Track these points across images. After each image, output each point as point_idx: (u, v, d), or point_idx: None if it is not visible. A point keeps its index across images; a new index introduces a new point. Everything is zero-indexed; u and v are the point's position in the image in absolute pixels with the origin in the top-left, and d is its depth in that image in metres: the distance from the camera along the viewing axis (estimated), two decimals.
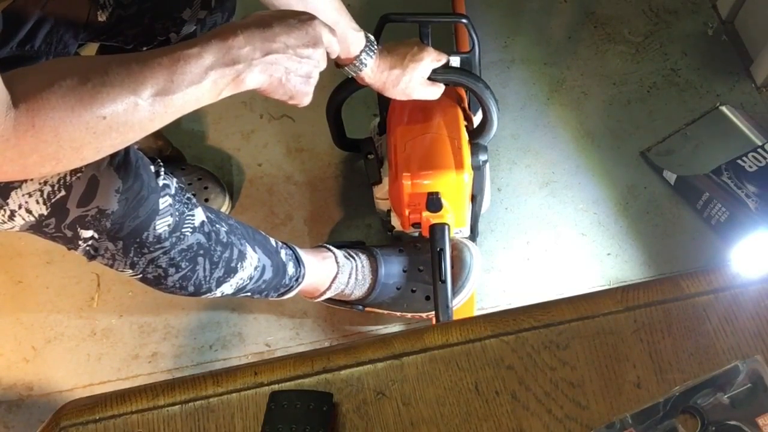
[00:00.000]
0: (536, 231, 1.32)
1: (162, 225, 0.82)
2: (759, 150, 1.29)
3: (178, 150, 1.36)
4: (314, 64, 0.71)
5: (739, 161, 1.28)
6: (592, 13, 1.57)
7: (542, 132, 1.43)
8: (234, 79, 0.65)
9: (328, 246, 1.15)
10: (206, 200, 1.30)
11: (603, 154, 1.39)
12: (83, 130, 0.58)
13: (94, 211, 0.76)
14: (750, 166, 1.28)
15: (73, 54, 0.90)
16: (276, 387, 0.59)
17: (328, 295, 1.13)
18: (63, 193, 0.74)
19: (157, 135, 1.31)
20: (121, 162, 0.77)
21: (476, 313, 1.22)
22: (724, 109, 1.40)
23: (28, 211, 0.75)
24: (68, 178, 0.74)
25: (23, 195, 0.73)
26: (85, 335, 1.26)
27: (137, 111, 0.60)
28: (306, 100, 0.73)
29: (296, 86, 0.70)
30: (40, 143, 0.57)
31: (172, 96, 0.62)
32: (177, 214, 0.84)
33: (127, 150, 0.78)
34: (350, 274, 1.13)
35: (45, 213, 0.75)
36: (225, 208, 1.33)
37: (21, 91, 0.56)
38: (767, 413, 0.54)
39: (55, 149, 0.58)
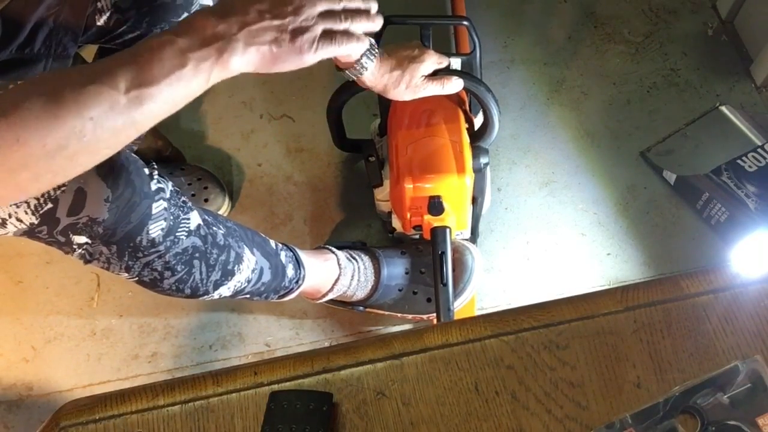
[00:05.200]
0: (536, 231, 1.32)
1: (155, 229, 0.82)
2: (759, 150, 1.29)
3: (177, 150, 1.36)
4: (307, 14, 0.69)
5: (738, 161, 1.28)
6: (592, 13, 1.57)
7: (542, 132, 1.43)
8: (218, 59, 0.64)
9: (329, 247, 1.15)
10: (206, 200, 1.30)
11: (603, 154, 1.39)
12: (72, 136, 0.57)
13: (85, 219, 0.76)
14: (750, 166, 1.28)
15: (73, 56, 0.90)
16: (276, 387, 0.59)
17: (330, 296, 1.13)
18: (50, 205, 0.73)
19: (157, 135, 1.31)
20: (108, 170, 0.76)
21: (476, 313, 1.22)
22: (724, 109, 1.40)
23: (19, 220, 0.74)
24: (53, 192, 0.73)
25: (12, 205, 0.72)
26: (85, 335, 1.26)
27: (124, 106, 0.59)
28: (341, 49, 0.71)
29: (304, 45, 0.68)
30: (28, 157, 0.56)
31: (157, 86, 0.61)
32: (171, 218, 0.83)
33: (116, 156, 0.76)
34: (353, 276, 1.13)
35: (35, 222, 0.75)
36: (225, 208, 1.33)
37: (0, 104, 0.55)
38: (767, 413, 0.54)
39: (47, 161, 0.57)
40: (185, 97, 0.64)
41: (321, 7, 0.71)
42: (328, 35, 0.72)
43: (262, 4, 0.67)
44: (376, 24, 0.79)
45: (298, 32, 0.69)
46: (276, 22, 0.67)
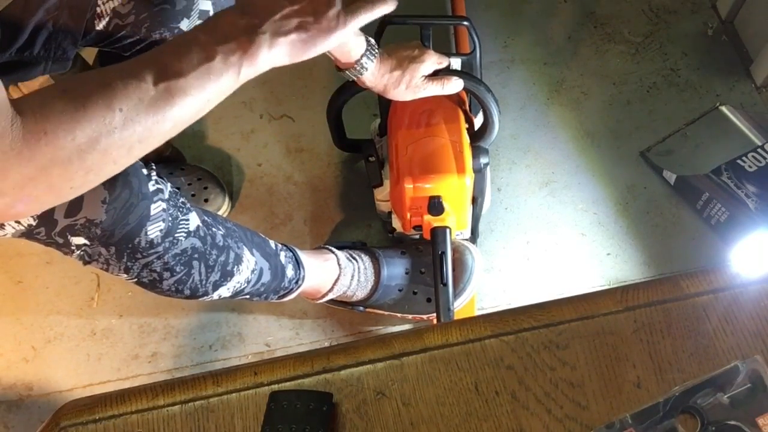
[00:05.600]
0: (536, 231, 1.32)
1: (154, 230, 0.82)
2: (759, 150, 1.29)
3: (178, 150, 1.36)
4: (325, 1, 0.68)
5: (738, 161, 1.28)
6: (592, 13, 1.57)
7: (542, 132, 1.43)
8: (245, 52, 0.63)
9: (329, 247, 1.15)
10: (206, 200, 1.30)
11: (603, 154, 1.39)
12: (103, 128, 0.56)
13: (83, 220, 0.76)
14: (750, 166, 1.28)
15: (73, 58, 0.90)
16: (276, 387, 0.59)
17: (330, 296, 1.13)
18: None
19: None
20: None
21: (476, 313, 1.22)
22: (724, 109, 1.40)
23: (17, 221, 0.74)
24: None
25: None
26: (85, 335, 1.26)
27: (154, 99, 0.58)
28: (369, 14, 0.69)
29: (331, 22, 0.67)
30: (57, 151, 0.54)
31: (186, 78, 0.60)
32: (170, 219, 0.83)
33: None
34: (353, 276, 1.13)
35: (33, 223, 0.75)
36: (225, 208, 1.33)
37: (26, 100, 0.54)
38: (767, 413, 0.54)
39: (79, 156, 0.55)
40: (217, 93, 0.63)
41: None
42: (354, 4, 0.71)
43: None
44: None
45: (320, 11, 0.68)
46: (296, 7, 0.66)
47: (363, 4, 0.72)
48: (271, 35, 0.65)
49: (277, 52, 0.66)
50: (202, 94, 0.62)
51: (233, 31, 0.63)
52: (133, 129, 0.58)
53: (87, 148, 0.56)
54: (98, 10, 0.89)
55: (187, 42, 0.62)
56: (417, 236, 1.17)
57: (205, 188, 1.31)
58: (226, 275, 0.93)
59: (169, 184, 0.85)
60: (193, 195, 1.30)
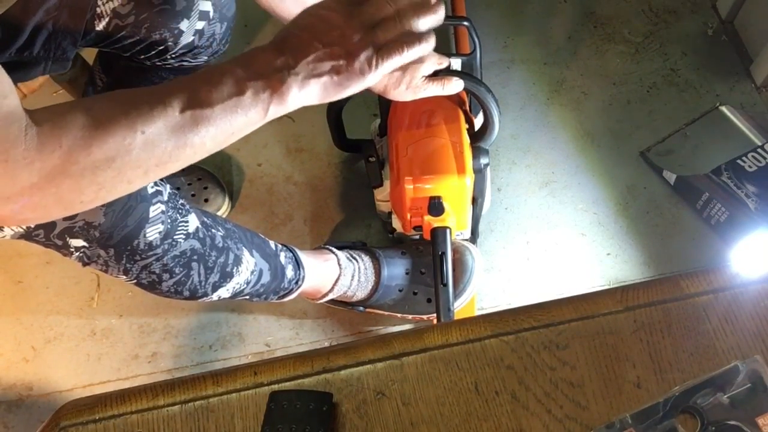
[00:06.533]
0: (536, 231, 1.32)
1: (153, 232, 0.82)
2: (759, 150, 1.29)
3: None
4: (359, 32, 0.65)
5: (738, 161, 1.28)
6: (592, 13, 1.57)
7: (542, 132, 1.43)
8: (275, 91, 0.63)
9: (330, 248, 1.15)
10: (206, 200, 1.30)
11: (603, 154, 1.39)
12: (121, 148, 0.55)
13: (81, 222, 0.76)
14: (750, 166, 1.28)
15: (72, 58, 0.90)
16: (276, 387, 0.59)
17: (330, 296, 1.13)
18: None
19: None
20: None
21: (476, 313, 1.22)
22: (723, 109, 1.40)
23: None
24: None
25: None
26: (85, 335, 1.26)
27: (178, 125, 0.58)
28: (403, 57, 0.66)
29: (364, 66, 0.66)
30: (70, 165, 0.54)
31: (213, 109, 0.60)
32: (169, 221, 0.83)
33: None
34: (353, 276, 1.13)
35: (32, 225, 0.75)
36: (224, 208, 1.33)
37: (45, 112, 0.54)
38: (767, 413, 0.54)
39: (92, 172, 0.55)
40: (242, 127, 0.64)
41: (371, 18, 0.68)
42: (387, 47, 0.67)
43: (314, 34, 0.65)
44: (439, 15, 0.72)
45: (354, 54, 0.66)
46: (330, 50, 0.65)
47: (397, 48, 0.68)
48: (304, 77, 0.64)
49: (307, 93, 0.65)
50: (227, 127, 0.62)
51: (267, 69, 0.63)
52: (152, 152, 0.58)
53: (101, 165, 0.56)
54: (98, 10, 0.89)
55: (222, 73, 0.62)
56: (417, 236, 1.17)
57: (205, 188, 1.31)
58: (226, 276, 0.93)
59: (168, 186, 0.85)
60: (192, 195, 1.30)
